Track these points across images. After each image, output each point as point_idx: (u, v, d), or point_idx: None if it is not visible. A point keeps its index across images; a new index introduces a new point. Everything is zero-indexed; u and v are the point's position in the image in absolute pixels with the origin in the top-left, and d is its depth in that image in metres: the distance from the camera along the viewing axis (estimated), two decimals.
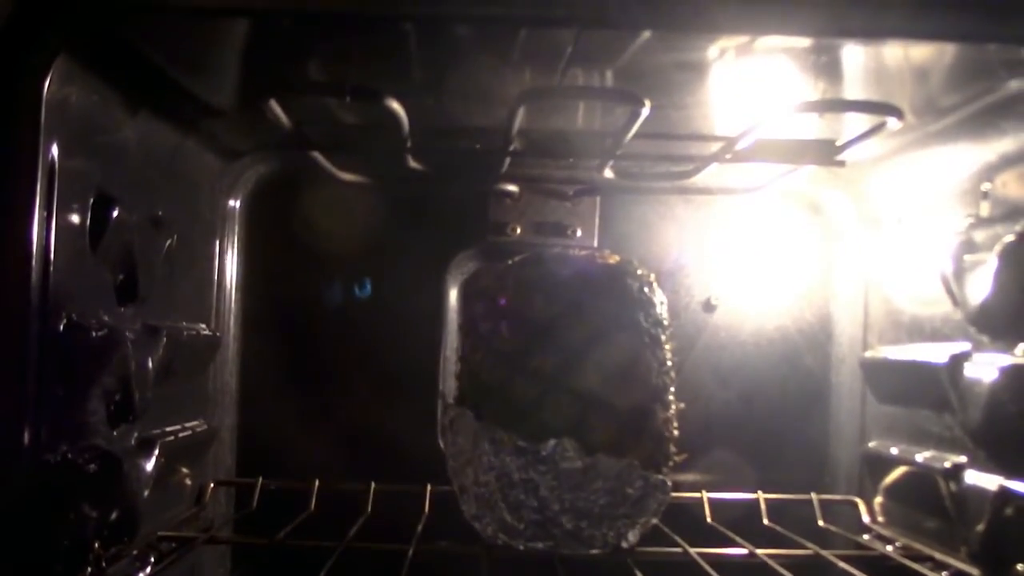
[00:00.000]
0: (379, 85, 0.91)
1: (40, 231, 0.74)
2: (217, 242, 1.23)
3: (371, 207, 1.25)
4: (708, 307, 1.30)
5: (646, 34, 0.81)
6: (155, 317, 1.00)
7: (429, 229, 1.28)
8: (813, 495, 1.21)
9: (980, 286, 0.95)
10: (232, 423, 1.26)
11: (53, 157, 0.75)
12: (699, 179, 1.16)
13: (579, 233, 1.28)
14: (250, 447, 1.27)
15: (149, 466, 0.98)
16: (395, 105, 0.91)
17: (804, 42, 0.88)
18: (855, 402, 1.27)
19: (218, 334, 1.23)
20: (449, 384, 1.19)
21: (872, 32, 0.79)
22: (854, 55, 0.93)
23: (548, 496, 0.93)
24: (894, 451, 1.16)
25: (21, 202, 0.73)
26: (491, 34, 0.85)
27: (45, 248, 0.75)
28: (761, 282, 1.31)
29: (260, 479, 1.21)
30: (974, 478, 0.96)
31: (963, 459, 0.98)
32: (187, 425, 1.13)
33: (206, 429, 1.19)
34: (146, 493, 0.98)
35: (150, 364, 0.97)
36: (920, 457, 1.09)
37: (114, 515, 0.91)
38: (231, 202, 1.26)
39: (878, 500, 1.21)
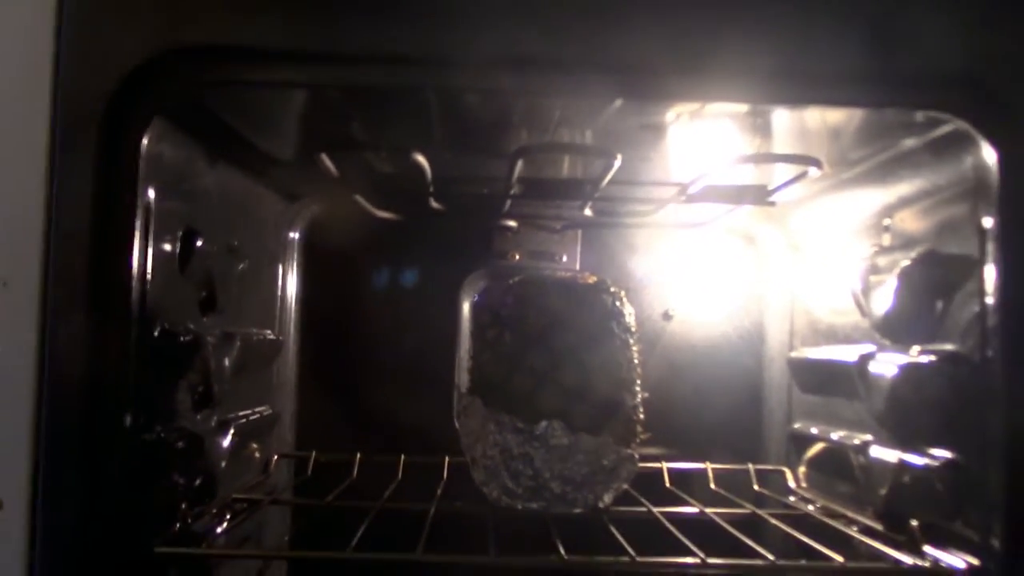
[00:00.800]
0: (408, 142, 0.90)
1: (140, 258, 0.73)
2: (280, 265, 1.22)
3: (401, 238, 1.24)
4: (666, 317, 1.28)
5: (618, 102, 0.79)
6: (230, 325, 0.99)
7: (446, 255, 1.27)
8: (750, 465, 1.20)
9: (883, 301, 0.93)
10: (292, 408, 1.25)
11: (150, 199, 0.75)
12: (659, 216, 1.14)
13: (565, 259, 1.26)
14: (306, 426, 1.26)
15: (225, 443, 0.97)
16: (420, 158, 0.89)
17: (742, 107, 0.87)
18: (783, 392, 1.26)
19: (280, 338, 1.21)
20: (462, 377, 1.17)
21: (795, 101, 0.78)
22: (783, 117, 0.92)
23: (541, 467, 0.92)
24: (814, 431, 1.15)
25: (125, 235, 0.72)
26: (496, 102, 0.84)
27: (144, 271, 0.74)
28: (708, 297, 1.29)
29: (314, 452, 1.19)
30: (878, 452, 0.94)
31: (869, 437, 0.97)
32: (256, 410, 1.12)
33: (271, 413, 1.18)
34: (223, 464, 0.96)
35: (226, 362, 0.96)
36: (835, 436, 1.07)
37: (198, 482, 0.91)
38: (291, 234, 1.25)
39: (802, 470, 1.19)
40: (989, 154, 0.74)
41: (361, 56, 0.72)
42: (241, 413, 1.06)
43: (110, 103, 0.70)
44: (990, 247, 0.75)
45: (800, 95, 0.76)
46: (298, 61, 0.73)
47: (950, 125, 0.76)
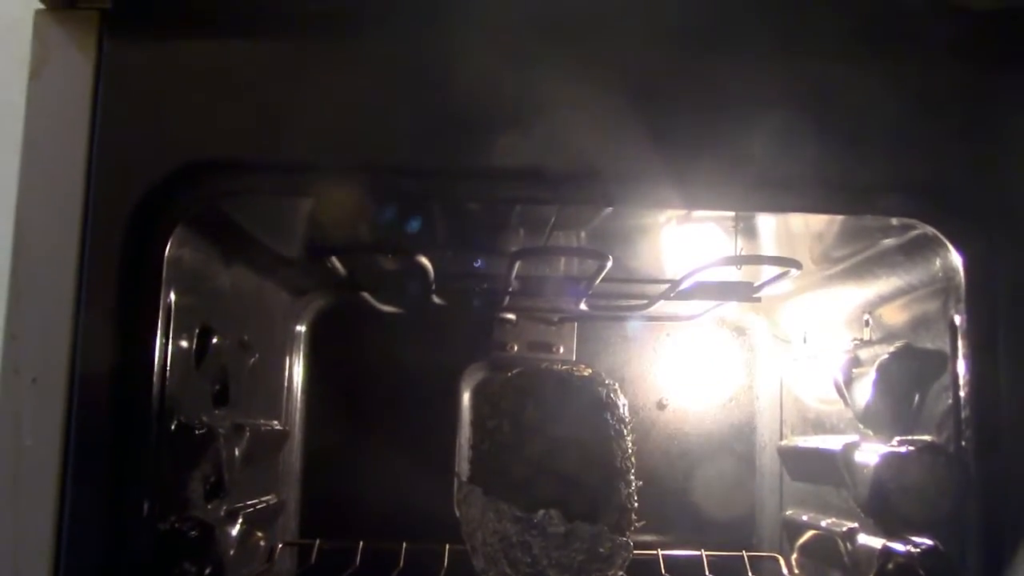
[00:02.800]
0: (412, 243, 0.95)
1: (160, 355, 0.78)
2: (288, 358, 1.26)
3: (405, 331, 1.27)
4: (660, 406, 1.31)
5: (609, 208, 0.84)
6: (241, 417, 1.02)
7: (448, 347, 1.30)
8: (744, 552, 1.22)
9: (864, 392, 0.96)
10: (296, 496, 1.27)
11: (171, 300, 0.79)
12: (652, 310, 1.18)
13: (561, 350, 1.29)
14: (310, 515, 1.27)
15: (234, 532, 1.00)
16: (423, 259, 0.94)
17: (728, 213, 0.92)
18: (775, 479, 1.28)
19: (287, 428, 1.24)
20: (463, 466, 1.20)
21: (777, 208, 0.83)
22: (767, 221, 0.97)
23: (539, 554, 0.94)
24: (805, 518, 1.17)
25: (147, 334, 0.76)
26: (495, 208, 0.89)
27: (163, 367, 0.78)
28: (701, 387, 1.32)
29: (318, 540, 1.21)
30: (864, 539, 0.97)
31: (855, 525, 0.99)
32: (262, 499, 1.14)
33: (276, 502, 1.20)
34: (231, 553, 0.99)
35: (236, 453, 0.99)
36: (824, 523, 1.09)
37: (207, 571, 0.92)
38: (299, 327, 1.28)
39: (794, 556, 1.21)
40: (956, 257, 0.78)
41: (370, 167, 0.78)
42: (249, 502, 1.08)
43: (136, 212, 0.75)
44: (960, 343, 0.79)
45: (779, 203, 0.81)
46: (311, 172, 0.78)
47: (920, 230, 0.80)
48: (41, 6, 0.78)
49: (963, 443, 0.78)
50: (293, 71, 0.77)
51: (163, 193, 0.76)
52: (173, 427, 0.83)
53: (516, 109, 0.76)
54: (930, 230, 0.79)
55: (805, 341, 1.21)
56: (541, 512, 0.94)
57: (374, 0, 0.77)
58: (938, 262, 0.82)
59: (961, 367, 0.79)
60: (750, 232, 1.02)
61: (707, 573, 1.18)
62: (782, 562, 1.22)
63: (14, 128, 0.76)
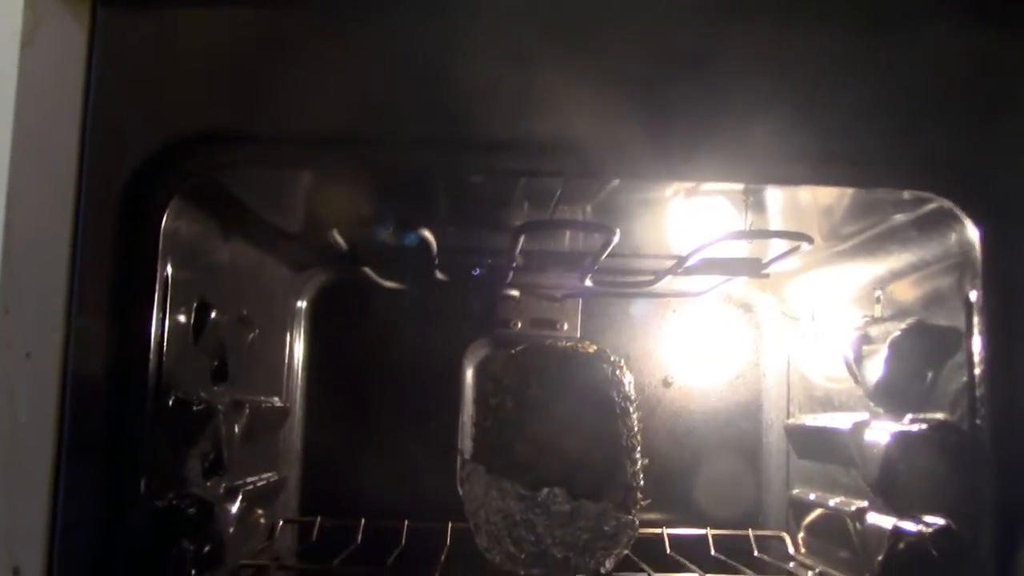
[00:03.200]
0: (415, 217, 0.93)
1: (157, 329, 0.76)
2: (288, 334, 1.24)
3: (407, 307, 1.26)
4: (666, 384, 1.30)
5: (615, 181, 0.82)
6: (240, 393, 1.01)
7: (451, 323, 1.28)
8: (750, 531, 1.21)
9: (875, 370, 0.95)
10: (297, 473, 1.26)
11: (168, 274, 0.78)
12: (657, 287, 1.16)
13: (566, 327, 1.28)
14: (311, 492, 1.26)
15: (234, 509, 0.99)
16: (427, 233, 0.93)
17: (737, 185, 0.90)
18: (782, 458, 1.27)
19: (287, 405, 1.23)
20: (466, 444, 1.19)
21: (789, 181, 0.82)
22: (776, 195, 0.95)
23: (543, 533, 0.93)
24: (812, 496, 1.16)
25: (143, 308, 0.75)
26: (499, 182, 0.87)
27: (160, 342, 0.77)
28: (707, 364, 1.31)
29: (319, 518, 1.20)
30: (874, 519, 0.96)
31: (865, 504, 0.98)
32: (263, 476, 1.13)
33: (277, 479, 1.19)
34: (231, 530, 0.98)
35: (236, 430, 0.98)
36: (832, 502, 1.09)
37: (207, 548, 0.92)
38: (299, 303, 1.27)
39: (801, 535, 1.20)
40: (972, 231, 0.77)
41: (363, 139, 0.76)
42: (249, 479, 1.07)
43: (131, 184, 0.74)
44: (976, 319, 0.77)
45: (791, 175, 0.79)
46: (309, 145, 0.76)
47: (936, 203, 0.79)
48: None
49: (978, 422, 0.76)
50: (290, 43, 0.75)
51: (158, 165, 0.74)
52: (171, 403, 0.81)
53: (517, 81, 0.74)
54: (946, 203, 0.77)
55: (813, 318, 1.20)
56: (545, 490, 0.92)
57: None
58: (953, 236, 0.80)
59: (976, 344, 0.77)
60: (759, 207, 1.00)
61: (713, 551, 1.17)
62: (788, 540, 1.22)
63: (5, 97, 0.74)
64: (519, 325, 1.28)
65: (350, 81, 0.75)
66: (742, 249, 1.09)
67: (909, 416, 0.88)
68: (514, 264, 1.04)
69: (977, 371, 0.77)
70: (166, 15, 0.76)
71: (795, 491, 1.23)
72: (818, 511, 1.15)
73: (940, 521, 0.82)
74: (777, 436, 1.28)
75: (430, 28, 0.75)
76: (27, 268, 0.72)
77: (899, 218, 0.88)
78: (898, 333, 0.91)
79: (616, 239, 0.90)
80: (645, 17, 0.75)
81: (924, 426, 0.85)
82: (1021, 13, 0.76)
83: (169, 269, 0.78)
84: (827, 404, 1.13)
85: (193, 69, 0.75)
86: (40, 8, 0.75)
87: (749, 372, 1.31)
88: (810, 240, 0.91)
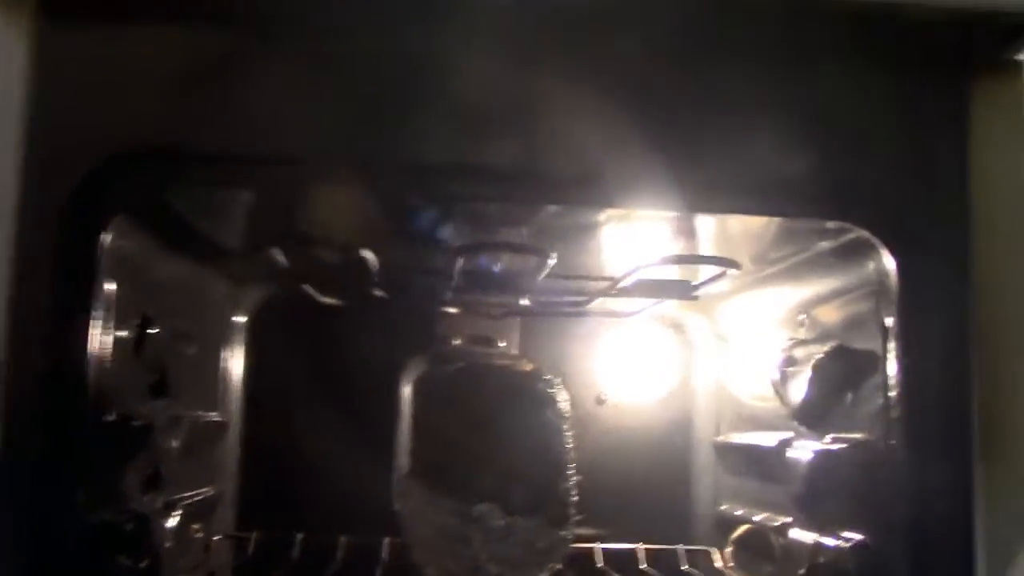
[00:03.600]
0: (353, 237, 0.94)
1: (97, 345, 0.76)
2: (227, 348, 1.25)
3: (346, 322, 1.27)
4: (599, 401, 1.32)
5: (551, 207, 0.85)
6: (178, 408, 1.01)
7: (389, 339, 1.28)
8: (679, 546, 1.24)
9: (799, 390, 0.98)
10: (233, 488, 1.26)
11: (107, 290, 0.78)
12: (592, 306, 1.19)
13: (504, 344, 1.28)
14: (247, 507, 1.26)
15: (170, 524, 0.99)
16: (367, 253, 0.94)
17: (670, 212, 0.93)
18: (710, 475, 1.30)
19: (225, 419, 1.23)
20: (403, 460, 1.19)
21: (713, 209, 0.85)
22: (706, 221, 0.98)
23: (478, 548, 0.96)
24: (739, 512, 1.20)
25: (84, 324, 0.75)
26: (438, 203, 0.89)
27: (100, 358, 0.77)
28: (640, 383, 1.34)
29: (255, 533, 1.21)
30: (796, 534, 0.99)
31: (789, 519, 1.02)
32: (199, 491, 1.13)
33: (213, 494, 1.19)
34: (167, 545, 0.98)
35: (174, 444, 0.99)
36: (757, 517, 1.12)
37: (143, 563, 0.92)
38: (237, 318, 1.27)
39: (728, 550, 1.23)
40: (888, 261, 0.80)
41: (307, 158, 0.77)
42: (186, 494, 1.07)
43: (71, 200, 0.73)
44: (891, 344, 0.81)
45: (720, 205, 0.82)
46: (248, 163, 0.77)
47: (855, 234, 0.82)
48: None
49: (892, 441, 0.80)
50: (234, 61, 0.76)
51: (100, 181, 0.74)
52: (110, 418, 0.82)
53: (461, 106, 0.76)
54: (864, 234, 0.81)
55: (742, 339, 1.23)
56: (480, 506, 0.94)
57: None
58: (871, 265, 0.83)
59: (891, 368, 0.81)
60: (689, 232, 1.03)
61: (643, 566, 1.19)
62: (717, 555, 1.24)
63: None
64: (458, 342, 1.29)
65: (292, 100, 0.76)
66: (673, 272, 1.12)
67: (830, 435, 0.92)
68: (453, 283, 1.05)
69: (892, 393, 0.80)
70: (110, 31, 0.76)
71: (723, 507, 1.26)
72: (744, 526, 1.18)
73: (858, 536, 0.86)
74: (707, 453, 1.31)
75: (376, 49, 0.76)
76: None
77: (822, 246, 0.92)
78: (820, 355, 0.95)
79: (552, 262, 0.93)
80: (582, 52, 0.77)
81: (844, 445, 0.89)
82: (938, 58, 0.80)
83: (110, 285, 0.78)
84: (754, 422, 1.17)
85: (135, 85, 0.75)
86: None
87: (680, 391, 1.34)
88: (737, 266, 0.94)
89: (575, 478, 1.03)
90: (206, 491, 1.16)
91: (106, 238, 0.76)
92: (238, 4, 0.76)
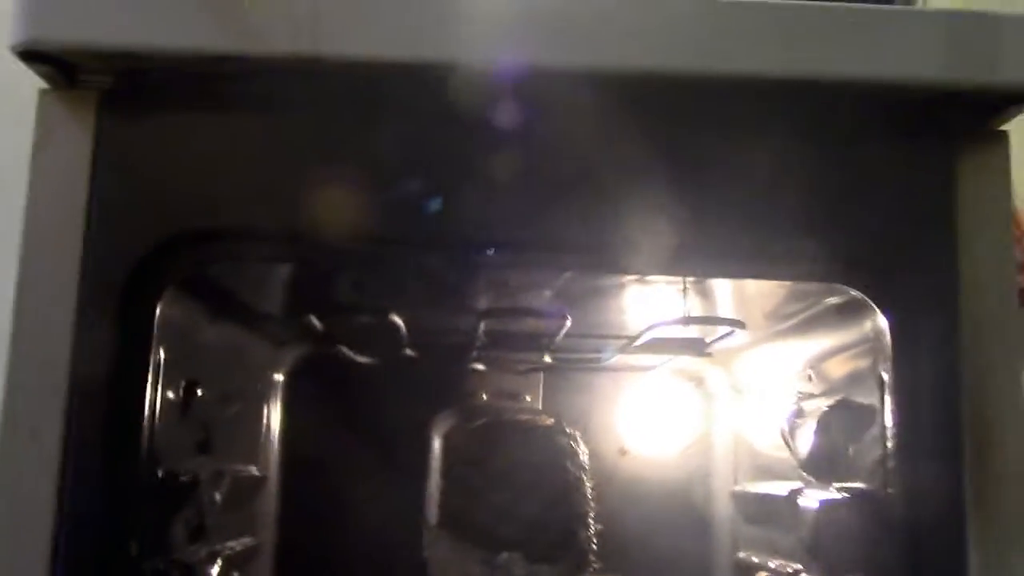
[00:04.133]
0: (385, 302, 1.01)
1: (150, 408, 0.83)
2: (267, 405, 1.31)
3: (379, 380, 1.32)
4: (621, 453, 1.36)
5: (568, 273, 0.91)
6: (221, 463, 1.07)
7: (420, 395, 1.34)
8: None
9: (806, 441, 1.03)
10: (272, 539, 1.31)
11: (160, 357, 0.85)
12: (612, 362, 1.24)
13: (528, 399, 1.34)
14: (285, 558, 1.32)
15: (214, 573, 1.05)
16: (396, 318, 1.00)
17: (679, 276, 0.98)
18: (729, 523, 1.34)
19: (264, 474, 1.30)
20: (432, 511, 1.24)
21: (708, 274, 0.91)
22: (721, 282, 1.04)
23: None
24: (755, 559, 1.23)
25: (138, 389, 0.82)
26: (463, 271, 0.95)
27: (152, 419, 0.84)
28: (661, 434, 1.38)
29: None
30: None
31: (800, 566, 1.06)
32: (240, 541, 1.19)
33: (253, 544, 1.25)
34: None
35: (217, 497, 1.05)
36: (773, 564, 1.16)
37: None
38: (277, 376, 1.34)
39: None
40: (882, 319, 0.85)
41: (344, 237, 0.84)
42: (228, 544, 1.13)
43: (130, 279, 0.80)
44: (888, 398, 0.86)
45: (709, 269, 0.89)
46: (289, 241, 0.84)
47: (850, 293, 0.88)
48: (46, 85, 0.84)
49: (889, 490, 0.85)
50: (274, 150, 0.83)
51: (155, 261, 0.81)
52: (160, 474, 0.88)
53: (482, 185, 0.83)
54: (858, 294, 0.86)
55: (757, 392, 1.28)
56: (504, 555, 0.99)
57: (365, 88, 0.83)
58: (868, 324, 0.88)
59: (888, 420, 0.85)
60: (706, 291, 1.09)
61: None
62: None
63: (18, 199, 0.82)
64: (485, 397, 1.35)
65: (332, 184, 0.82)
66: (689, 329, 1.17)
67: (835, 485, 0.97)
68: (478, 343, 1.11)
69: (889, 444, 0.85)
70: (162, 123, 0.83)
71: (741, 554, 1.30)
72: (761, 574, 1.21)
73: None
74: (725, 502, 1.35)
75: (404, 134, 0.83)
76: (33, 354, 0.80)
77: (825, 304, 0.97)
78: (825, 408, 0.99)
79: (568, 323, 0.98)
80: (584, 120, 0.83)
81: (847, 494, 0.93)
82: (927, 129, 0.85)
83: (161, 353, 0.85)
84: (769, 472, 1.21)
85: (187, 173, 0.82)
86: (49, 117, 0.83)
87: (700, 442, 1.38)
88: (742, 326, 1.00)
89: (597, 527, 1.08)
90: (246, 541, 1.22)
91: (159, 310, 0.83)
92: (277, 98, 0.84)
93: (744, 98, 0.84)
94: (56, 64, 0.80)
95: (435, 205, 0.81)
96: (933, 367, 0.83)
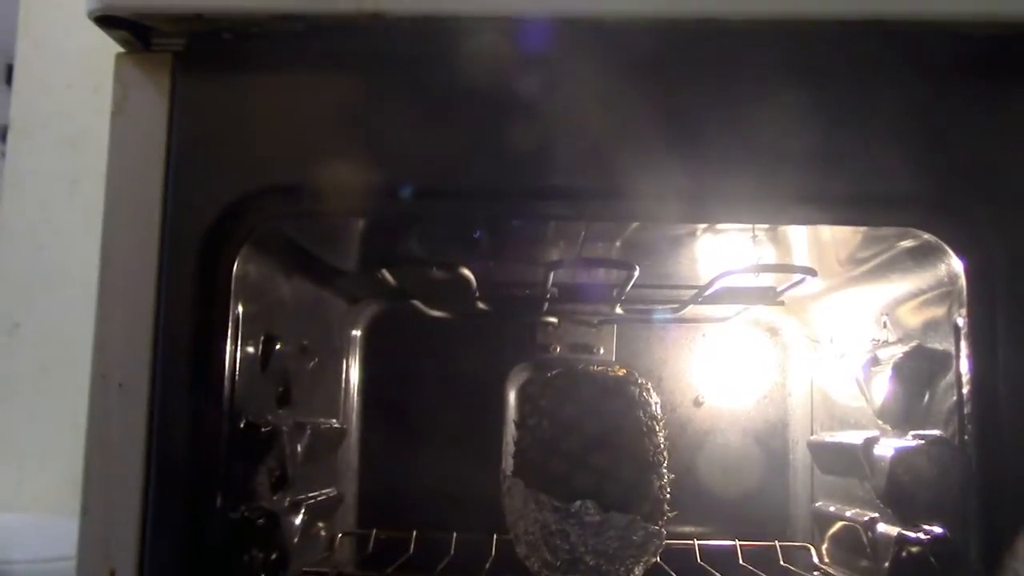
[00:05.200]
0: (456, 256, 1.02)
1: (230, 361, 0.86)
2: (344, 360, 1.35)
3: (453, 334, 1.35)
4: (696, 403, 1.37)
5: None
6: (302, 416, 1.11)
7: (494, 349, 1.38)
8: (776, 542, 1.28)
9: (881, 390, 1.03)
10: (354, 489, 1.36)
11: (239, 312, 0.88)
12: (684, 313, 1.24)
13: (602, 351, 1.36)
14: (367, 506, 1.36)
15: (297, 521, 1.09)
16: (466, 271, 1.02)
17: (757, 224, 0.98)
18: (806, 473, 1.34)
19: (344, 426, 1.33)
20: (507, 461, 1.26)
21: (788, 221, 0.90)
22: (793, 229, 1.03)
23: (576, 542, 1.02)
24: (832, 509, 1.23)
25: (219, 342, 0.85)
26: (532, 223, 0.96)
27: (233, 372, 0.87)
28: (735, 384, 1.38)
29: (375, 530, 1.30)
30: (883, 528, 1.03)
31: (876, 515, 1.06)
32: (323, 491, 1.24)
33: (336, 494, 1.29)
34: (295, 541, 1.08)
35: (299, 449, 1.08)
36: (849, 513, 1.15)
37: (274, 556, 1.02)
38: (354, 332, 1.37)
39: (824, 546, 1.27)
40: (957, 263, 0.84)
41: (420, 192, 0.85)
42: (310, 494, 1.17)
43: (208, 235, 0.83)
44: (963, 344, 0.85)
45: (790, 216, 0.88)
46: (364, 195, 0.86)
47: (925, 237, 0.86)
48: (121, 50, 0.86)
49: (966, 437, 0.84)
50: (344, 106, 0.85)
51: (231, 217, 0.84)
52: (242, 426, 0.92)
53: (547, 133, 0.83)
54: (933, 238, 0.85)
55: (832, 341, 1.27)
56: (578, 503, 1.01)
57: (426, 42, 0.83)
58: (943, 267, 0.87)
59: (964, 366, 0.84)
60: (780, 238, 1.08)
61: (741, 561, 1.24)
62: (813, 551, 1.28)
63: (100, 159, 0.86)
64: (558, 350, 1.37)
65: (400, 140, 0.84)
66: (762, 278, 1.16)
67: (910, 432, 0.96)
68: (548, 295, 1.12)
69: (965, 391, 0.84)
70: (235, 83, 0.86)
71: (818, 504, 1.30)
72: (838, 523, 1.21)
73: (937, 529, 0.90)
74: (802, 452, 1.35)
75: (476, 90, 0.83)
76: (119, 309, 0.83)
77: (900, 248, 0.96)
78: (900, 356, 0.99)
79: (636, 274, 0.99)
80: (662, 63, 0.83)
81: (922, 442, 0.93)
82: (1003, 70, 0.83)
83: (240, 307, 0.88)
84: (844, 422, 1.21)
85: (261, 130, 0.85)
86: (126, 80, 0.86)
87: (776, 392, 1.38)
88: (813, 273, 0.99)
89: (670, 476, 1.09)
90: (329, 492, 1.26)
91: (237, 266, 0.86)
92: (346, 55, 0.85)
93: (832, 43, 0.84)
94: (130, 28, 0.83)
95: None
96: (1011, 311, 0.82)
